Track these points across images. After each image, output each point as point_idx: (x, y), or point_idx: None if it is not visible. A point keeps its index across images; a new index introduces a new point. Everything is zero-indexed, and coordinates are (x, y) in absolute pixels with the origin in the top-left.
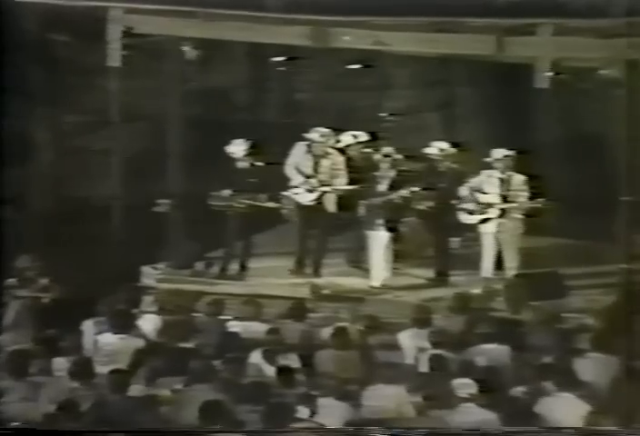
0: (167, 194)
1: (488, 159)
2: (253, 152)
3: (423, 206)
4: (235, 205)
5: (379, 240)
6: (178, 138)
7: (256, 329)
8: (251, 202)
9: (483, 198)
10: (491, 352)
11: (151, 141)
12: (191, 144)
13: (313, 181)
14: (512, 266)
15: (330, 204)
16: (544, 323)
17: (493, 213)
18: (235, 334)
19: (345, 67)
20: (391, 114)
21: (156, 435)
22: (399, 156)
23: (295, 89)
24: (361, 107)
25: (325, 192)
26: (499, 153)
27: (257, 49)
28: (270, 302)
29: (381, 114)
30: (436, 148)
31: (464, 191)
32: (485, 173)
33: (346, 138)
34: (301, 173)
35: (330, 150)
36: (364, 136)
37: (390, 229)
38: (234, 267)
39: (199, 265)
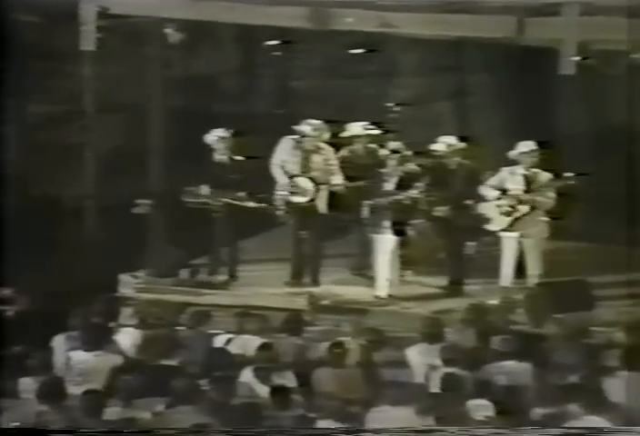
0: (148, 194)
1: (511, 153)
2: (240, 145)
3: (434, 207)
4: (212, 203)
5: (385, 244)
6: (160, 131)
7: (247, 344)
8: (239, 202)
9: (507, 197)
10: (510, 370)
11: (129, 134)
12: (174, 138)
13: (301, 180)
14: (535, 274)
15: (322, 204)
16: (569, 338)
17: (518, 214)
18: (223, 350)
19: (347, 52)
20: (398, 104)
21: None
22: (408, 152)
23: (290, 76)
24: (364, 96)
25: (318, 190)
26: (524, 146)
27: (249, 32)
28: (263, 315)
29: (387, 104)
30: (443, 144)
31: (485, 190)
32: (507, 169)
33: (355, 129)
34: (287, 172)
35: (322, 144)
36: (375, 130)
37: (397, 232)
38: (221, 275)
39: (183, 273)
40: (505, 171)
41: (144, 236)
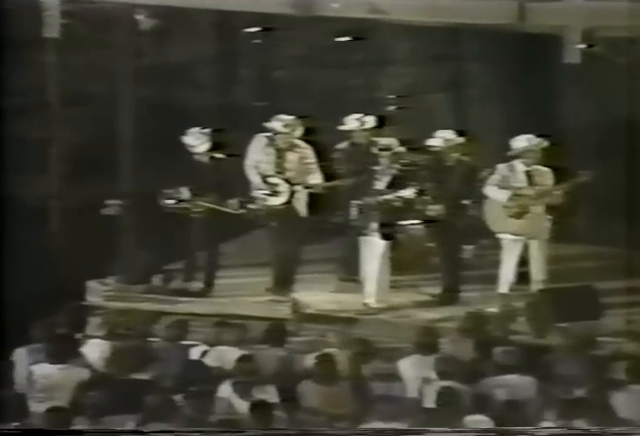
0: (118, 194)
1: (514, 148)
2: (217, 144)
3: (427, 207)
4: (192, 208)
5: (374, 248)
6: (131, 125)
7: (226, 356)
8: (216, 206)
9: (518, 198)
10: (511, 384)
11: (98, 128)
12: (146, 133)
13: (274, 181)
14: (539, 279)
15: (302, 207)
16: (574, 349)
17: (529, 216)
18: (199, 363)
19: (333, 40)
20: (389, 97)
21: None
22: (401, 149)
23: (272, 66)
24: (352, 88)
25: (294, 191)
26: (527, 141)
27: (227, 18)
28: (242, 324)
29: (377, 97)
30: (441, 139)
31: (491, 191)
32: (504, 166)
33: (352, 123)
34: (260, 173)
35: (297, 141)
36: (371, 122)
37: (387, 235)
38: (198, 281)
39: (156, 279)
40: (502, 168)
41: (113, 240)
